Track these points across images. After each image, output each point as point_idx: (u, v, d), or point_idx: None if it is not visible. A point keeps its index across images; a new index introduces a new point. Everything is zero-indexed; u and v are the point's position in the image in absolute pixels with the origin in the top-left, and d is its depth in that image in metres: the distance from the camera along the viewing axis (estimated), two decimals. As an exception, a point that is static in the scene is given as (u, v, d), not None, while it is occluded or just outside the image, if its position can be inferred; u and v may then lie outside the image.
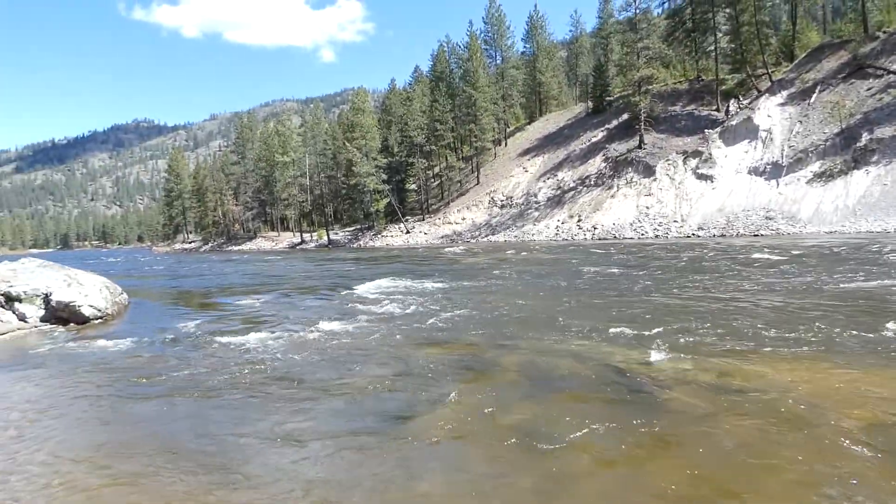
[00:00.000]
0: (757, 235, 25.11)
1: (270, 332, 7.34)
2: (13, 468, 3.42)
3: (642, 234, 30.09)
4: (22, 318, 9.19)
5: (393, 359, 5.71)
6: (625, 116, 41.07)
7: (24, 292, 9.54)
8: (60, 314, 9.23)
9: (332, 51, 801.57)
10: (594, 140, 42.44)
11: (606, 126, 43.13)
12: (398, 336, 6.79)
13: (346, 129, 55.72)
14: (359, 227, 54.56)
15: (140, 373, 5.63)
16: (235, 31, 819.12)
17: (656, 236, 29.18)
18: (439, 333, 6.91)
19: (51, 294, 9.39)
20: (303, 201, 58.97)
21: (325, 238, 52.30)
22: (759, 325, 6.25)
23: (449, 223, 44.83)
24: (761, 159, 30.36)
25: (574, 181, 39.47)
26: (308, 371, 5.36)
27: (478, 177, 48.96)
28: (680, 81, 42.16)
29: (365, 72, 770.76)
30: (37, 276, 10.31)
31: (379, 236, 47.57)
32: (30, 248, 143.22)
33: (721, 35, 38.77)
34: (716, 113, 36.20)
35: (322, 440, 3.64)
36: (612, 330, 6.41)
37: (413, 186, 52.30)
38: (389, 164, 50.40)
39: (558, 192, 39.69)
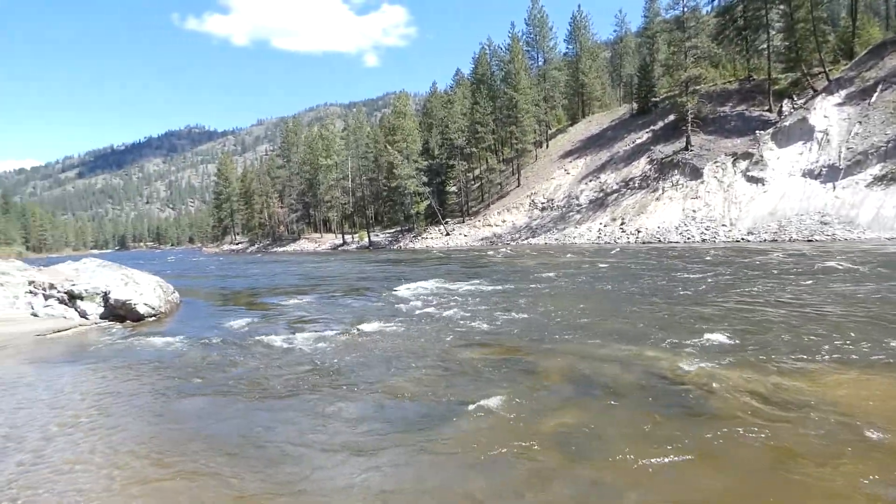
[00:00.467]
0: (811, 241, 24.00)
1: (315, 332, 7.51)
2: (76, 458, 3.61)
3: (688, 238, 29.26)
4: (83, 314, 9.76)
5: (435, 361, 5.74)
6: (671, 117, 40.05)
7: (86, 291, 10.13)
8: (118, 311, 9.74)
9: (376, 55, 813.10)
10: (639, 142, 41.56)
11: (651, 127, 42.18)
12: (440, 338, 6.83)
13: (387, 132, 56.47)
14: (399, 228, 55.15)
15: (192, 370, 5.87)
16: (283, 39, 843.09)
17: (703, 240, 28.32)
18: (481, 335, 6.90)
19: (109, 292, 9.93)
20: (345, 203, 60.13)
21: (367, 240, 53.10)
22: (819, 335, 5.95)
23: (489, 225, 44.79)
24: (816, 161, 29.00)
25: (617, 183, 38.76)
26: (352, 371, 5.45)
27: (518, 179, 48.72)
28: (729, 81, 40.75)
29: (407, 76, 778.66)
30: (97, 275, 10.93)
31: (419, 238, 47.95)
32: (91, 248, 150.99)
33: (774, 33, 37.21)
34: (767, 114, 34.79)
35: (366, 442, 3.69)
36: (658, 336, 6.27)
37: (453, 189, 52.51)
38: (430, 166, 50.78)
39: (601, 194, 39.07)
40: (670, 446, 3.35)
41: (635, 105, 47.83)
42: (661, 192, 34.94)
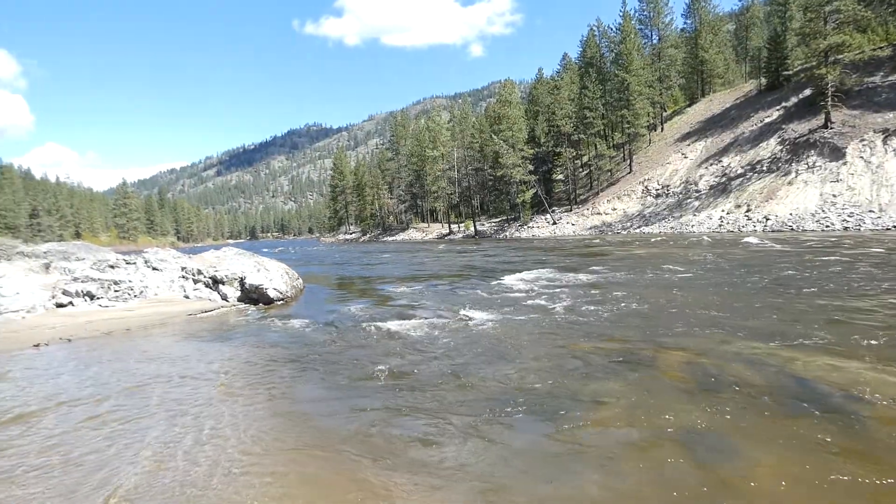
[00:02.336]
0: None
1: (425, 319, 7.89)
2: (222, 423, 4.22)
3: (827, 226, 26.23)
4: (224, 297, 11.10)
5: (546, 351, 5.71)
6: (806, 92, 35.94)
7: (226, 276, 11.49)
8: (252, 295, 10.96)
9: (481, 45, 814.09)
10: (767, 120, 37.82)
11: (783, 104, 38.16)
12: (550, 328, 6.84)
13: (492, 121, 56.58)
14: (505, 218, 55.21)
15: (317, 350, 6.51)
16: (391, 36, 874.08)
17: (845, 228, 25.24)
18: (593, 327, 6.79)
19: (245, 278, 11.19)
20: (451, 193, 61.35)
21: (472, 229, 53.82)
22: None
23: (598, 214, 43.39)
24: None
25: (742, 167, 35.66)
26: (463, 359, 5.64)
27: (630, 165, 46.58)
28: (880, 47, 35.48)
29: (512, 64, 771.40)
30: (234, 262, 12.33)
31: (525, 227, 47.69)
32: (227, 238, 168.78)
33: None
34: (932, 80, 30.04)
35: (479, 429, 3.75)
36: (793, 333, 5.79)
37: (560, 177, 51.45)
38: (536, 154, 50.17)
39: (723, 179, 36.19)
40: (811, 451, 3.13)
41: (763, 80, 43.47)
42: (793, 175, 31.62)
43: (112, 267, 11.74)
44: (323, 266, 23.77)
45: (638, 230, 36.85)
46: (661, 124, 50.26)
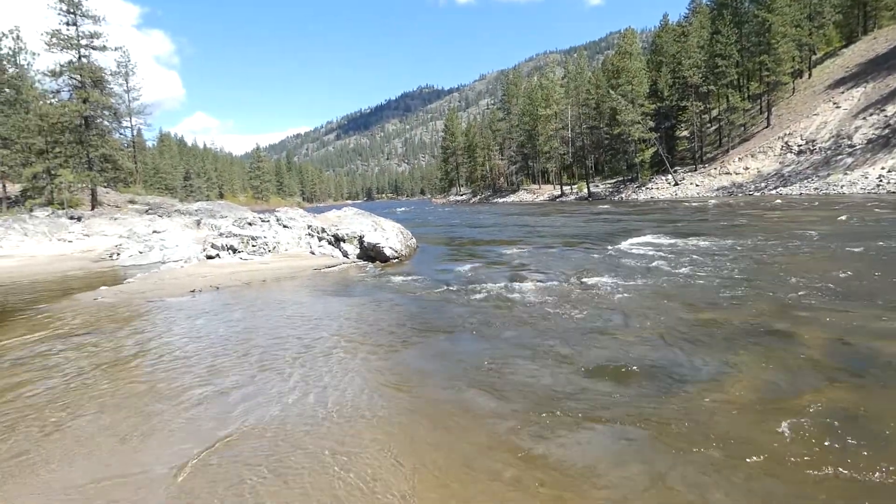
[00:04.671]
0: None
1: (537, 283, 7.89)
2: (349, 367, 4.69)
3: None
4: (345, 254, 11.89)
5: (664, 320, 5.42)
6: None
7: (347, 235, 12.26)
8: (369, 253, 11.63)
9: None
10: (952, 59, 31.70)
11: (976, 37, 31.66)
12: (669, 296, 6.52)
13: (610, 75, 53.33)
14: (621, 179, 52.53)
15: (430, 307, 6.85)
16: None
17: None
18: (718, 297, 6.31)
19: (364, 237, 11.87)
20: (563, 154, 59.37)
21: (586, 190, 51.96)
22: None
23: (727, 173, 39.70)
24: None
25: (912, 116, 30.46)
26: (575, 323, 5.57)
27: (768, 118, 41.75)
28: None
29: (633, 11, 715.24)
30: (354, 222, 13.10)
31: (643, 189, 45.05)
32: (346, 199, 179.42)
33: None
34: None
35: (588, 397, 3.66)
36: None
37: (685, 133, 47.59)
38: (658, 109, 46.69)
39: (885, 131, 31.21)
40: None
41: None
42: (984, 124, 26.40)
43: (250, 224, 13.07)
44: (434, 227, 24.47)
45: (774, 191, 33.21)
46: (809, 70, 44.16)
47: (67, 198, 29.04)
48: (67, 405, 3.94)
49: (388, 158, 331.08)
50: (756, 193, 34.00)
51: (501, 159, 76.16)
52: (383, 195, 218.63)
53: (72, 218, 22.95)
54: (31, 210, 25.95)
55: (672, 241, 12.03)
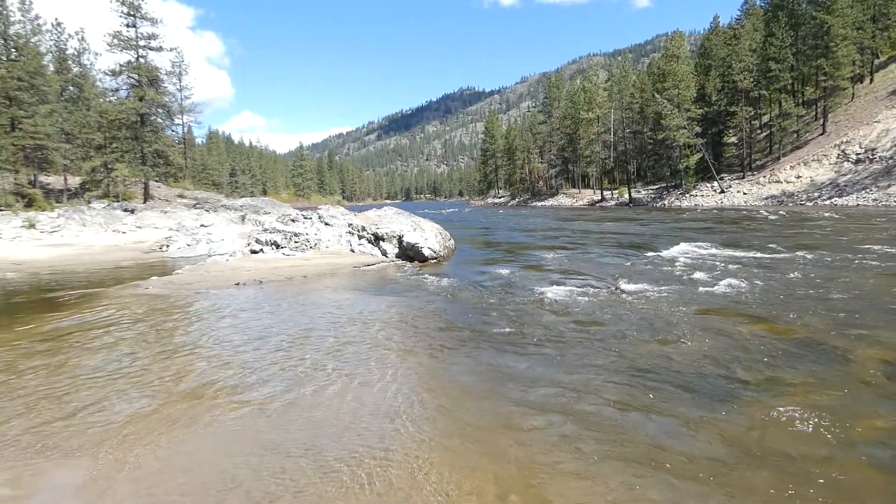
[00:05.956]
0: None
1: (574, 287, 7.78)
2: (385, 363, 4.73)
3: None
4: (384, 253, 12.01)
5: (706, 332, 5.22)
6: None
7: (386, 234, 12.39)
8: (408, 252, 11.71)
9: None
10: None
11: None
12: (711, 307, 6.30)
13: (655, 79, 52.09)
14: (664, 185, 51.24)
15: (467, 309, 6.88)
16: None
17: None
18: (765, 311, 6.02)
19: (403, 236, 11.96)
20: (605, 158, 58.43)
21: (627, 196, 50.92)
22: None
23: (777, 182, 38.20)
24: None
25: (984, 125, 28.60)
26: (614, 330, 5.44)
27: (824, 124, 39.95)
28: None
29: (682, 14, 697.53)
30: (393, 221, 13.22)
31: (687, 196, 43.83)
32: (384, 198, 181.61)
33: None
34: None
35: (622, 403, 3.61)
36: None
37: (732, 139, 46.05)
38: (705, 114, 45.34)
39: (953, 141, 29.41)
40: None
41: None
42: None
43: (293, 221, 13.37)
44: (472, 228, 24.46)
45: (828, 201, 31.74)
46: (871, 74, 42.05)
47: (122, 191, 30.43)
48: (121, 390, 4.13)
49: (427, 159, 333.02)
50: (808, 203, 32.59)
51: (541, 162, 75.49)
52: (421, 196, 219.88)
53: (125, 210, 24.03)
54: (89, 202, 27.32)
55: (717, 250, 11.66)
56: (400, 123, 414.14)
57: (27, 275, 11.24)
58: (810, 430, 3.18)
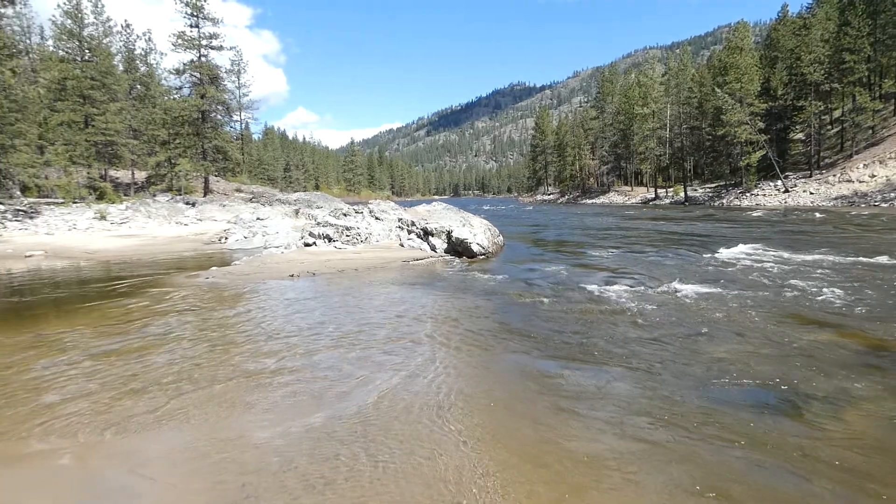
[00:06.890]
0: None
1: (627, 287, 7.60)
2: (435, 357, 4.75)
3: None
4: (433, 248, 12.08)
5: (767, 338, 4.97)
6: None
7: (435, 229, 12.44)
8: (456, 248, 11.73)
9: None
10: None
11: None
12: (772, 312, 5.97)
13: (716, 72, 49.91)
14: (722, 183, 49.15)
15: (516, 306, 6.83)
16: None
17: None
18: (829, 315, 5.72)
19: (451, 232, 11.99)
20: (660, 155, 56.55)
21: (682, 194, 49.16)
22: None
23: (848, 181, 35.90)
24: None
25: None
26: (669, 332, 5.28)
27: (902, 120, 37.24)
28: None
29: (746, 3, 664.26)
30: (442, 217, 13.26)
31: (747, 195, 41.84)
32: (433, 194, 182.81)
33: None
34: None
35: (678, 413, 3.46)
36: None
37: (799, 136, 43.61)
38: (769, 110, 43.11)
39: None
40: None
41: None
42: None
43: (345, 215, 13.65)
44: (521, 225, 24.26)
45: (906, 202, 29.59)
46: (960, 66, 38.81)
47: (184, 185, 31.95)
48: (183, 372, 4.35)
49: (476, 155, 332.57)
50: (883, 205, 30.46)
51: (592, 159, 73.86)
52: (470, 192, 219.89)
53: (187, 203, 25.23)
54: (154, 195, 28.86)
55: (780, 252, 11.09)
56: (449, 119, 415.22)
57: (98, 262, 11.99)
58: (881, 439, 3.01)
